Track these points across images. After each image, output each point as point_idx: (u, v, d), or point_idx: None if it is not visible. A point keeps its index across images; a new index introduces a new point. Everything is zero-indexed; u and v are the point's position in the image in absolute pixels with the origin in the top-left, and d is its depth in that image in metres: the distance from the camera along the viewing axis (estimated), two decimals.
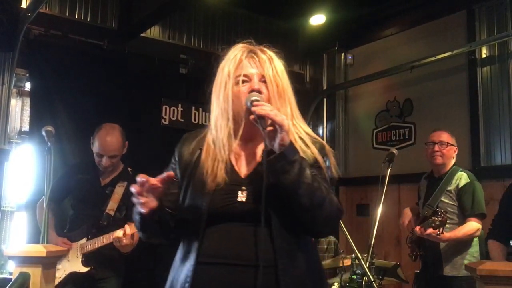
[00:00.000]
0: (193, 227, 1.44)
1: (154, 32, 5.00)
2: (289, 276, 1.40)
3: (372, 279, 2.31)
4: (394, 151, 3.19)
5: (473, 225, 3.20)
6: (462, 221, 3.28)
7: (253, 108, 1.39)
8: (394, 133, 5.48)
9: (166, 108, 4.85)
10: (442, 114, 4.88)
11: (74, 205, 3.27)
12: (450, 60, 4.80)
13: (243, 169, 1.52)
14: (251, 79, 1.52)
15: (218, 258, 1.40)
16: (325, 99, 6.28)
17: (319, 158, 1.54)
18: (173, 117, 4.86)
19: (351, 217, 5.85)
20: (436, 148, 3.41)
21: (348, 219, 5.84)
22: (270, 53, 1.57)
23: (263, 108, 1.37)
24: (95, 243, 3.06)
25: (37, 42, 4.22)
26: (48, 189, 2.80)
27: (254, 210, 1.41)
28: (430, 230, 3.07)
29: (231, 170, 1.50)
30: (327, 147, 1.59)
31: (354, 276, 2.96)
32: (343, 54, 6.16)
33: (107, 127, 3.24)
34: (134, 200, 1.41)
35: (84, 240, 3.13)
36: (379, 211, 2.96)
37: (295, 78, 6.87)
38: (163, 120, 4.81)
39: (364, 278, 2.59)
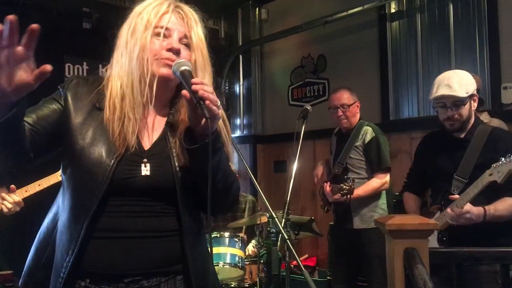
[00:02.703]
0: (87, 193, 1.27)
1: None
2: (194, 249, 1.36)
3: (287, 237, 2.30)
4: (308, 107, 3.18)
5: (379, 181, 3.32)
6: (369, 175, 3.40)
7: (194, 87, 1.22)
8: (309, 89, 5.53)
9: (69, 66, 4.52)
10: (354, 70, 4.98)
11: None
12: (361, 15, 4.86)
13: (145, 141, 1.36)
14: (171, 35, 1.36)
15: (112, 232, 1.29)
16: (240, 56, 6.18)
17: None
18: None
19: (269, 174, 5.92)
20: (340, 112, 3.45)
21: (266, 176, 5.91)
22: (196, 15, 1.43)
23: (205, 89, 1.22)
24: None
25: None
26: None
27: (158, 186, 1.32)
28: (337, 196, 3.16)
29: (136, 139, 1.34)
30: (225, 117, 1.48)
31: (270, 234, 2.96)
32: (257, 8, 6.05)
33: None
34: None
35: None
36: (294, 167, 2.96)
37: (210, 34, 6.69)
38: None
39: (280, 235, 2.59)
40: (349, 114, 3.45)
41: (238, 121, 6.24)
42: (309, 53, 5.53)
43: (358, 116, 3.52)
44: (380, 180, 3.32)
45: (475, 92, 2.42)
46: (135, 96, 1.33)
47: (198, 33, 1.40)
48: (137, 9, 1.39)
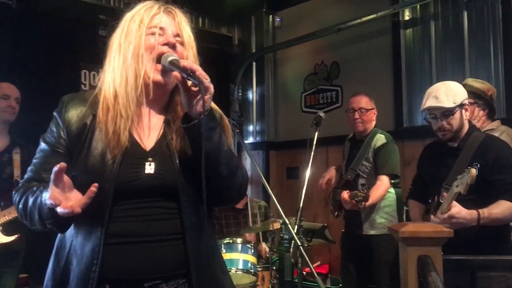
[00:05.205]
0: (95, 205, 1.24)
1: None
2: (197, 247, 1.36)
3: (300, 243, 2.31)
4: (321, 114, 3.20)
5: (383, 185, 3.31)
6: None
7: (183, 63, 1.28)
8: (322, 96, 5.53)
9: (85, 73, 4.58)
10: (367, 77, 4.97)
11: None
12: (375, 23, 4.86)
13: (145, 141, 1.38)
14: (165, 33, 1.40)
15: (127, 237, 1.31)
16: (254, 63, 6.21)
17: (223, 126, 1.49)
18: (94, 82, 4.60)
19: (282, 180, 5.92)
20: (357, 115, 3.48)
21: (279, 182, 5.91)
22: (185, 16, 1.47)
23: (194, 65, 1.27)
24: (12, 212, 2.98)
25: None
26: None
27: (163, 184, 1.34)
28: (353, 202, 3.14)
29: (132, 141, 1.36)
30: (225, 119, 1.52)
31: (283, 241, 2.97)
32: (271, 16, 6.08)
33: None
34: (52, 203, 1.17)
35: None
36: (307, 174, 2.97)
37: (223, 41, 6.71)
38: (82, 86, 4.54)
39: (292, 242, 2.60)
40: (365, 118, 3.47)
41: (251, 128, 6.26)
42: (323, 60, 5.54)
43: (373, 123, 3.53)
44: (382, 184, 3.31)
45: (465, 102, 2.45)
46: (129, 92, 1.35)
47: (188, 33, 1.44)
48: (128, 14, 1.43)
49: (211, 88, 1.27)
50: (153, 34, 1.37)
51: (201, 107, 1.26)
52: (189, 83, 1.27)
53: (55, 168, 1.15)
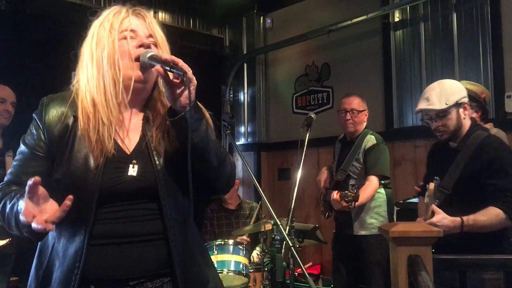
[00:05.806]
0: (79, 208, 1.25)
1: None
2: (181, 247, 1.36)
3: (291, 244, 2.31)
4: (312, 115, 3.21)
5: (372, 185, 3.33)
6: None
7: (165, 56, 1.28)
8: (313, 97, 5.55)
9: (74, 74, 4.53)
10: (358, 78, 5.00)
11: None
12: (365, 24, 4.88)
13: (127, 144, 1.38)
14: (138, 35, 1.39)
15: (109, 239, 1.31)
16: (245, 64, 6.22)
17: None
18: None
19: (273, 181, 5.93)
20: (348, 116, 3.49)
21: (270, 183, 5.91)
22: (153, 18, 1.46)
23: (176, 57, 1.27)
24: None
25: None
26: None
27: (144, 186, 1.34)
28: (343, 203, 3.15)
29: (115, 146, 1.35)
30: (207, 113, 1.50)
31: (274, 242, 2.97)
32: (262, 17, 6.10)
33: None
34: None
35: None
36: (299, 175, 2.98)
37: (215, 42, 6.72)
38: (72, 87, 4.51)
39: (284, 243, 2.60)
40: (356, 120, 3.49)
41: (242, 129, 6.26)
42: (313, 62, 5.56)
43: (364, 125, 3.55)
44: (371, 184, 3.33)
45: (464, 101, 2.37)
46: (108, 99, 1.34)
47: (160, 34, 1.45)
48: (96, 21, 1.41)
49: (194, 79, 1.28)
50: (125, 38, 1.36)
51: (185, 99, 1.26)
52: (171, 75, 1.28)
53: (30, 182, 1.12)
